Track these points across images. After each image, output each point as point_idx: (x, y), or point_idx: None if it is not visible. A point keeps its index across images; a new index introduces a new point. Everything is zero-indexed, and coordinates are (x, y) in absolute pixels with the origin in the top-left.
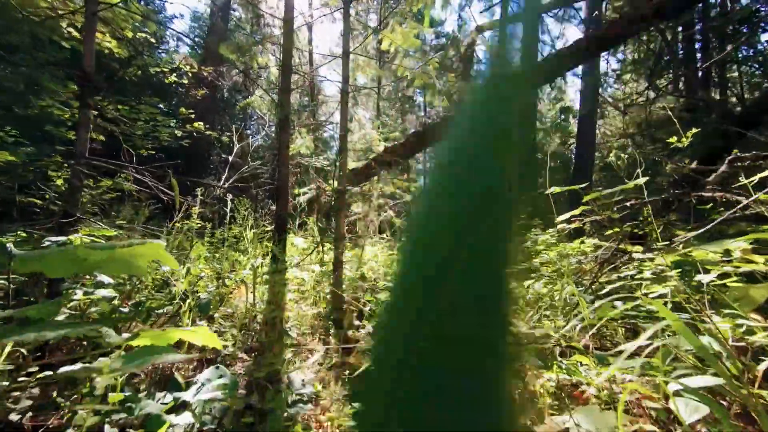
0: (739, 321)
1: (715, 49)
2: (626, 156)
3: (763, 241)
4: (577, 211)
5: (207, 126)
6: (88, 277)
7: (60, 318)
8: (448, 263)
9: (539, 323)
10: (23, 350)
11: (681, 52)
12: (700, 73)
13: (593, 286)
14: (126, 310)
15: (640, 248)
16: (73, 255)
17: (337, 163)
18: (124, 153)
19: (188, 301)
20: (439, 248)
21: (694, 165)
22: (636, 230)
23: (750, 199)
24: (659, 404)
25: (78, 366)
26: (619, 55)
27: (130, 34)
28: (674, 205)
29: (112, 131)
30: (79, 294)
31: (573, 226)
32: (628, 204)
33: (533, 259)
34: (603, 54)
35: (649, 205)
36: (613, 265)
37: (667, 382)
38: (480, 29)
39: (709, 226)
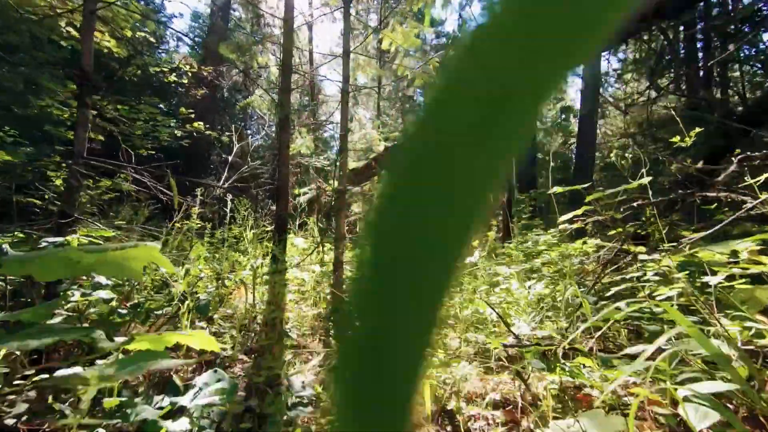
0: (747, 324)
1: (717, 49)
2: (629, 155)
3: None
4: (579, 211)
5: (207, 126)
6: (85, 278)
7: (57, 320)
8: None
9: (541, 324)
10: (18, 353)
11: (682, 51)
12: (701, 73)
13: (596, 287)
14: (125, 311)
15: (643, 249)
16: (65, 258)
17: (338, 163)
18: (123, 153)
19: (187, 302)
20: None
21: (700, 164)
22: (639, 231)
23: (758, 201)
24: (667, 410)
25: (70, 372)
26: (620, 55)
27: (129, 34)
28: (678, 205)
29: (111, 131)
30: (76, 295)
31: (575, 226)
32: (634, 204)
33: (535, 260)
34: (603, 53)
35: (652, 205)
36: (616, 266)
37: (676, 388)
38: None
39: (717, 227)
